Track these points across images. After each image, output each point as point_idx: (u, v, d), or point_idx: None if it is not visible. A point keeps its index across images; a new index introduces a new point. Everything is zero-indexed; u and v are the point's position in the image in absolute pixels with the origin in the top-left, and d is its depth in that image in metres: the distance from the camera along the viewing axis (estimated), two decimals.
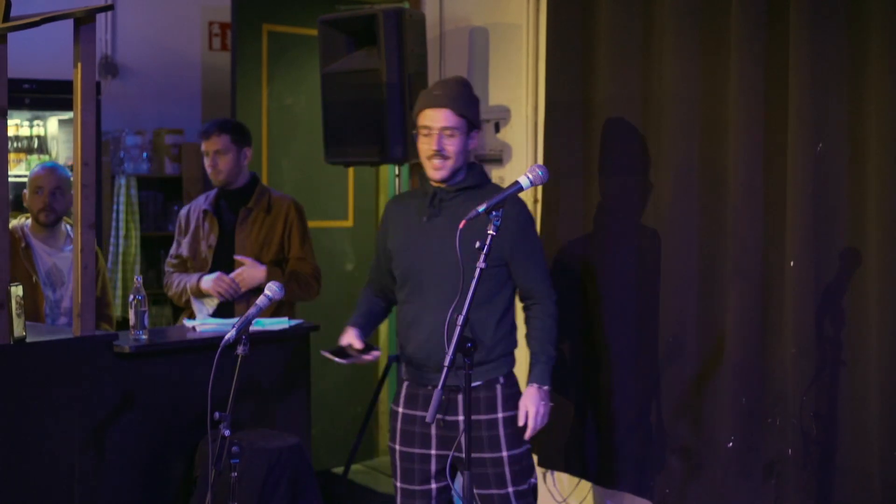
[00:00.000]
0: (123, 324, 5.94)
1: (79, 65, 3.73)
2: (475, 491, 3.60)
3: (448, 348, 2.86)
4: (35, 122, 5.90)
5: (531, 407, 3.56)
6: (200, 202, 4.75)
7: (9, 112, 3.71)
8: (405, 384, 3.72)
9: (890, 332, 3.36)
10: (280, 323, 4.34)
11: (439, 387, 2.81)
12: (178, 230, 4.76)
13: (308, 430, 4.43)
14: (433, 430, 3.59)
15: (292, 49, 6.07)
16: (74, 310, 3.81)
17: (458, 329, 2.85)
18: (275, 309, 4.42)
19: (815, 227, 3.51)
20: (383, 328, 6.65)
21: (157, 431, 3.95)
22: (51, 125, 5.95)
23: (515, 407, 3.60)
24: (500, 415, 3.60)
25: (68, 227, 4.82)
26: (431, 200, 3.62)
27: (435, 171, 3.58)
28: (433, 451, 3.62)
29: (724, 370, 3.78)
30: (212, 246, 4.65)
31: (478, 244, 2.92)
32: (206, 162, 4.70)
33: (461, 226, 2.96)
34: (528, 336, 3.69)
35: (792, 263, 3.55)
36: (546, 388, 3.60)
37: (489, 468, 3.59)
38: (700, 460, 3.89)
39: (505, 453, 3.59)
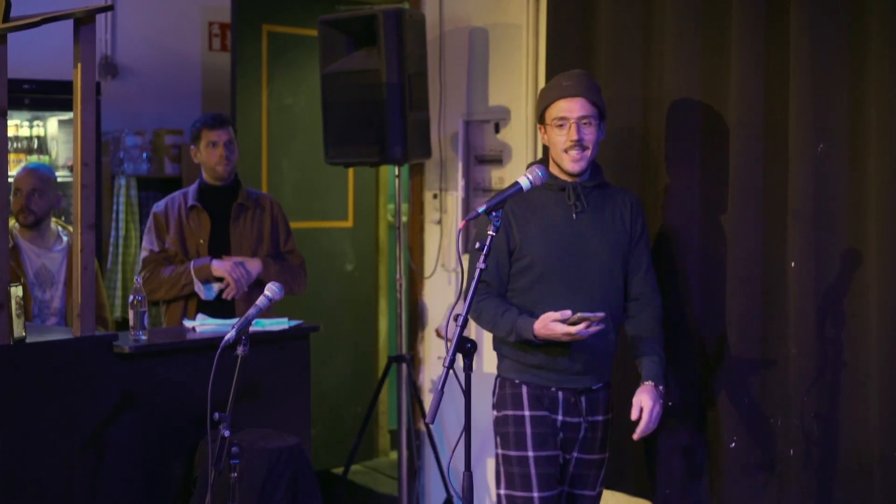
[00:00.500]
0: (123, 324, 5.94)
1: (79, 65, 3.72)
2: (573, 491, 3.61)
3: (449, 349, 2.85)
4: (35, 123, 5.89)
5: (647, 403, 3.46)
6: (179, 198, 4.72)
7: (9, 112, 3.70)
8: (524, 388, 3.55)
9: (890, 333, 3.36)
10: (280, 323, 4.34)
11: (439, 387, 2.80)
12: (158, 227, 4.68)
13: (308, 430, 4.43)
14: (559, 433, 3.55)
15: (292, 49, 6.07)
16: (74, 310, 3.81)
17: (458, 329, 2.85)
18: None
19: (816, 228, 3.51)
20: (383, 328, 6.65)
21: (157, 432, 3.95)
22: (51, 125, 5.94)
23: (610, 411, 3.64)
24: (609, 416, 3.64)
25: (59, 227, 4.81)
26: (577, 196, 3.52)
27: (574, 162, 3.48)
28: (558, 452, 3.57)
29: (725, 371, 3.77)
30: (204, 241, 4.65)
31: (478, 244, 2.91)
32: (215, 152, 4.68)
33: (460, 226, 2.95)
34: (635, 336, 3.62)
35: (793, 264, 3.55)
36: (661, 388, 3.52)
37: (593, 469, 3.61)
38: (701, 460, 3.89)
39: (606, 454, 3.64)
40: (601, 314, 3.31)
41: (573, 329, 3.30)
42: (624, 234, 3.57)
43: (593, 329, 3.31)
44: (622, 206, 3.59)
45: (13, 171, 5.31)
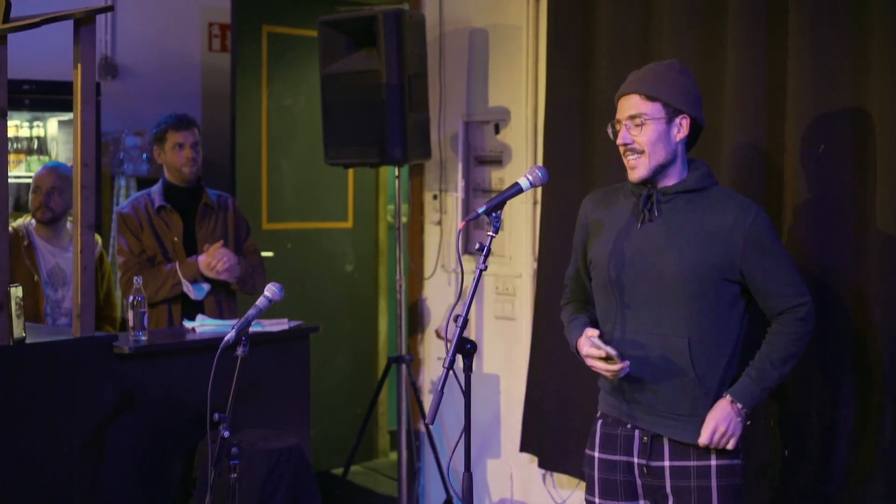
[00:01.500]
0: (123, 324, 5.94)
1: (79, 66, 3.73)
2: None
3: (449, 349, 2.84)
4: (35, 123, 5.89)
5: (709, 421, 2.96)
6: (144, 199, 4.70)
7: (9, 113, 3.70)
8: (599, 422, 3.16)
9: (890, 333, 3.36)
10: (280, 324, 4.34)
11: (439, 388, 2.79)
12: (131, 228, 4.64)
13: (307, 431, 4.43)
14: (637, 479, 3.07)
15: (292, 50, 6.07)
16: (74, 310, 3.81)
17: (457, 329, 2.84)
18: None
19: (816, 229, 3.51)
20: (383, 328, 6.65)
21: (157, 432, 3.95)
22: (51, 126, 5.94)
23: (734, 455, 3.02)
24: (713, 462, 3.01)
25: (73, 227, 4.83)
26: (646, 203, 3.05)
27: (630, 169, 3.04)
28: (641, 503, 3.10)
29: None
30: (178, 239, 4.66)
31: (478, 245, 2.90)
32: (181, 154, 4.68)
33: (460, 227, 2.95)
34: None
35: None
36: (739, 406, 2.96)
37: None
38: None
39: None
40: (620, 365, 2.93)
41: (600, 365, 2.98)
42: (714, 247, 2.97)
43: (622, 372, 2.96)
44: (722, 215, 2.99)
45: (13, 171, 5.32)
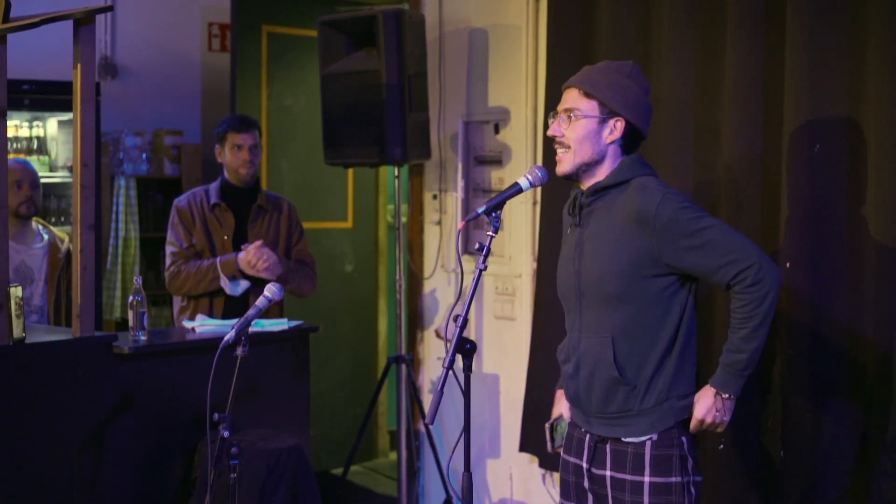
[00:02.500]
0: (123, 324, 5.94)
1: (78, 66, 3.72)
2: None
3: (449, 349, 2.84)
4: (35, 123, 5.89)
5: (695, 413, 2.93)
6: (201, 194, 4.75)
7: (8, 113, 3.70)
8: (568, 425, 3.18)
9: (886, 333, 3.36)
10: (279, 324, 4.34)
11: (439, 388, 2.80)
12: (184, 222, 4.70)
13: (307, 431, 4.43)
14: (586, 484, 3.03)
15: (292, 50, 6.07)
16: (74, 310, 3.81)
17: (457, 329, 2.84)
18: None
19: (812, 229, 3.51)
20: (382, 328, 6.65)
21: (157, 432, 3.95)
22: (50, 126, 5.94)
23: (668, 472, 2.92)
24: (646, 478, 2.93)
25: (39, 226, 4.82)
26: (572, 207, 3.06)
27: (557, 162, 3.01)
28: None
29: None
30: (229, 237, 4.68)
31: (478, 245, 2.90)
32: (239, 155, 4.71)
33: (460, 227, 2.94)
34: None
35: (788, 265, 3.55)
36: (726, 396, 2.91)
37: None
38: None
39: None
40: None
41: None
42: (627, 244, 2.91)
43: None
44: (630, 210, 2.91)
45: None
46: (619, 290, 2.92)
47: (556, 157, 3.00)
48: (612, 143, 2.97)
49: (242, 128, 4.75)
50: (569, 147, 2.97)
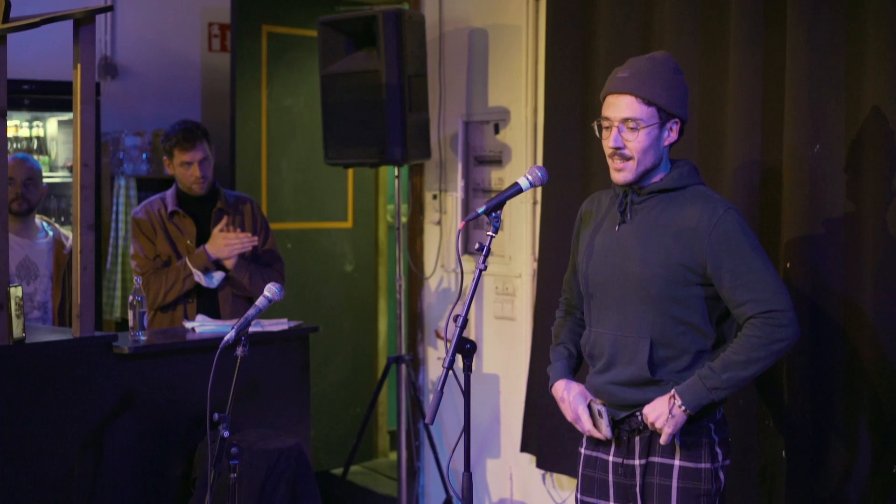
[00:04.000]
0: (123, 325, 5.94)
1: (78, 66, 3.73)
2: None
3: (449, 349, 2.85)
4: (34, 123, 5.89)
5: (646, 409, 2.94)
6: (158, 203, 4.63)
7: (8, 113, 3.70)
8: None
9: (886, 334, 3.36)
10: (279, 324, 4.34)
11: (439, 388, 2.80)
12: (145, 233, 4.58)
13: (307, 431, 4.43)
14: (610, 478, 3.05)
15: (292, 50, 6.07)
16: (74, 310, 3.81)
17: (457, 329, 2.84)
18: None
19: (812, 229, 3.51)
20: (382, 328, 6.65)
21: (156, 432, 3.95)
22: (50, 126, 5.94)
23: (697, 459, 2.94)
24: (676, 462, 2.95)
25: (43, 222, 4.81)
26: (621, 205, 3.02)
27: (615, 172, 2.97)
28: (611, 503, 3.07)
29: None
30: (192, 242, 4.61)
31: (478, 245, 2.90)
32: (188, 173, 4.55)
33: (460, 227, 2.95)
34: None
35: (788, 265, 3.55)
36: (678, 402, 2.87)
37: None
38: None
39: None
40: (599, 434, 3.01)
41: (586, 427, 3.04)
42: (680, 247, 2.91)
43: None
44: (690, 215, 2.92)
45: None
46: (663, 292, 2.92)
47: (615, 167, 2.96)
48: (669, 144, 2.98)
49: (188, 144, 4.52)
50: (632, 157, 2.94)
